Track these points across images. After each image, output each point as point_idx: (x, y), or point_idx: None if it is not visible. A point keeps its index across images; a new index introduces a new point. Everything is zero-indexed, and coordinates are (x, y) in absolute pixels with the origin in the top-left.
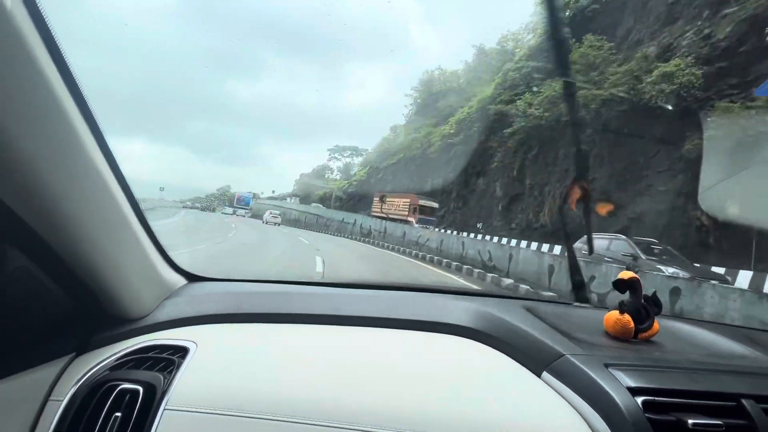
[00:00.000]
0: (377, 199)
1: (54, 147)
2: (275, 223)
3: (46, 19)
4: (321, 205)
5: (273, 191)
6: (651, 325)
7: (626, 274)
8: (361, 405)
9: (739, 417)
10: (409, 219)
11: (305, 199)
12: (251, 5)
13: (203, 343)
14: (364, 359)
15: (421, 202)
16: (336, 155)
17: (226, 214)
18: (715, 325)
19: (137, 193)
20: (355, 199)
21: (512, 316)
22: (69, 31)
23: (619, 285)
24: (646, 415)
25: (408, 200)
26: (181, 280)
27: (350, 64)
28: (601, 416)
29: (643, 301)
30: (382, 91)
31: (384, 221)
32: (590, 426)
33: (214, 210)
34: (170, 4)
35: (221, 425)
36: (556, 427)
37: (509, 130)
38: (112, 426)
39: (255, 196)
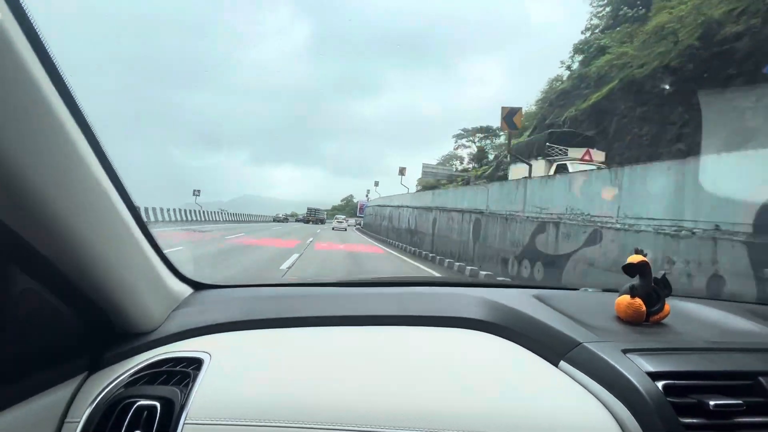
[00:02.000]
0: None
1: (52, 163)
2: (342, 228)
3: (40, 35)
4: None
5: (371, 192)
6: (662, 308)
7: (635, 258)
8: (381, 405)
9: (757, 395)
10: None
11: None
12: (366, 26)
13: (217, 353)
14: (380, 359)
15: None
16: (464, 141)
17: (309, 223)
18: (722, 302)
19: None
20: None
21: (524, 305)
22: (244, 88)
23: (629, 269)
24: (668, 399)
25: None
26: (187, 290)
27: (467, 61)
28: (622, 402)
29: (653, 284)
30: (502, 80)
31: None
32: (612, 413)
33: (323, 221)
34: (298, 44)
35: None
36: (578, 415)
37: None
38: None
39: None
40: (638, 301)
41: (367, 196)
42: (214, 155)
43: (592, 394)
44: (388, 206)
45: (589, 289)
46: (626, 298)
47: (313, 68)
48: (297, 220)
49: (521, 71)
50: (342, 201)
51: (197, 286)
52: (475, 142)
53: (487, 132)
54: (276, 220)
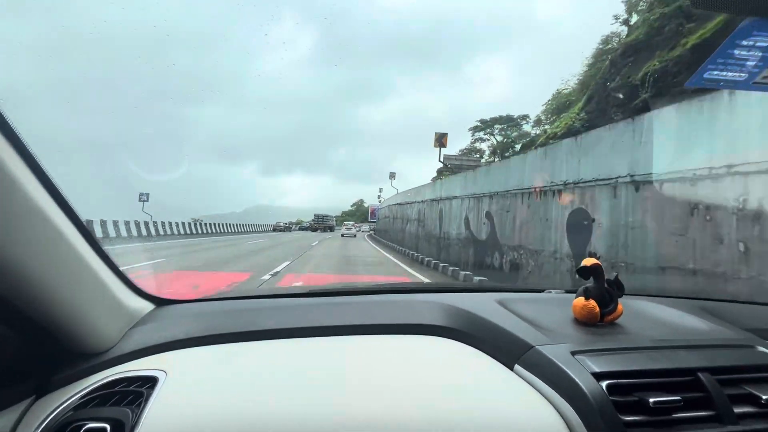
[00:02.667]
0: None
1: None
2: (351, 234)
3: None
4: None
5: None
6: (615, 308)
7: (588, 261)
8: (339, 416)
9: (696, 390)
10: None
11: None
12: (372, 32)
13: (173, 371)
14: (340, 369)
15: None
16: (482, 134)
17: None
18: (675, 300)
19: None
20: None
21: (485, 311)
22: (254, 100)
23: (583, 272)
24: (611, 398)
25: None
26: (148, 306)
27: (473, 61)
28: (569, 403)
29: (606, 285)
30: (509, 78)
31: None
32: (560, 414)
33: (331, 228)
34: (304, 53)
35: None
36: (529, 417)
37: None
38: None
39: None
40: (592, 302)
41: (379, 197)
42: (227, 168)
43: (543, 396)
44: (415, 203)
45: (553, 291)
46: (581, 299)
47: (320, 76)
48: (301, 228)
49: (528, 68)
50: (352, 206)
51: (159, 302)
52: (494, 134)
53: (509, 122)
54: (276, 229)
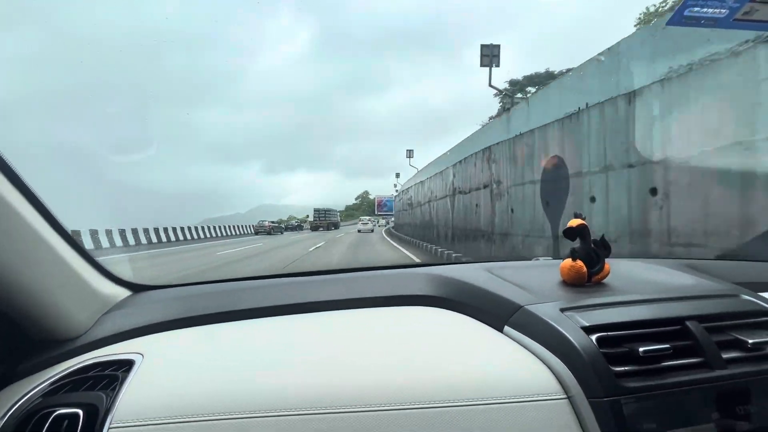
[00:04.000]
0: None
1: None
2: (369, 230)
3: None
4: None
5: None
6: (602, 268)
7: (574, 222)
8: (324, 387)
9: (685, 338)
10: None
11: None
12: (371, 22)
13: (150, 353)
14: (324, 343)
15: None
16: (516, 97)
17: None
18: (660, 260)
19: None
20: None
21: (471, 278)
22: (254, 99)
23: (569, 233)
24: (601, 350)
25: None
26: (124, 292)
27: (474, 47)
28: (560, 358)
29: (592, 245)
30: (511, 62)
31: None
32: (551, 369)
33: (336, 225)
34: (302, 48)
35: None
36: (521, 376)
37: None
38: None
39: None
40: (579, 263)
41: (395, 185)
42: (230, 169)
43: (534, 354)
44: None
45: (542, 259)
46: (568, 261)
47: (320, 71)
48: (289, 228)
49: (529, 52)
50: (356, 199)
51: (136, 288)
52: (526, 96)
53: (550, 77)
54: (259, 232)
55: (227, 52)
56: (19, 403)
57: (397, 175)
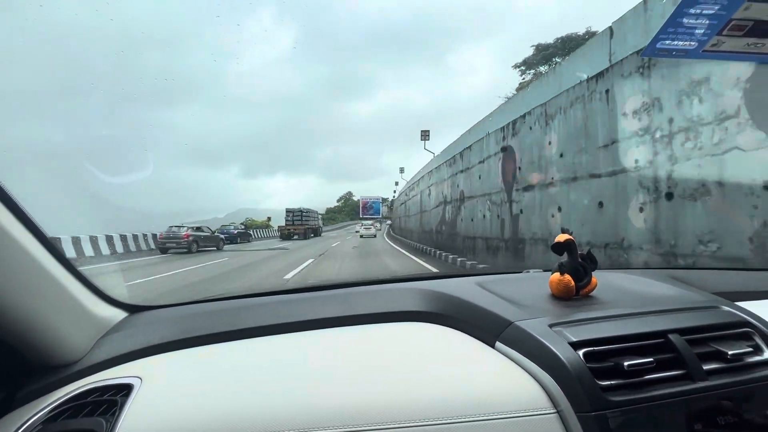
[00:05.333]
0: None
1: None
2: (371, 235)
3: None
4: None
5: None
6: (589, 281)
7: (562, 237)
8: (322, 407)
9: (667, 351)
10: None
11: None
12: (353, 24)
13: (149, 377)
14: (322, 362)
15: None
16: (540, 69)
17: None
18: (644, 271)
19: None
20: None
21: (463, 293)
22: (231, 99)
23: (557, 248)
24: (588, 365)
25: None
26: (120, 314)
27: (456, 51)
28: (549, 373)
29: (579, 259)
30: (492, 67)
31: None
32: (541, 384)
33: (316, 231)
34: (283, 49)
35: None
36: (512, 392)
37: None
38: None
39: (385, 201)
40: (567, 277)
41: (396, 183)
42: (206, 172)
43: (525, 369)
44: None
45: (532, 271)
46: (557, 275)
47: (301, 73)
48: (230, 239)
49: (510, 57)
50: (338, 201)
51: (133, 309)
52: (553, 63)
53: (575, 42)
54: (168, 248)
55: (202, 50)
56: (21, 430)
57: (402, 170)
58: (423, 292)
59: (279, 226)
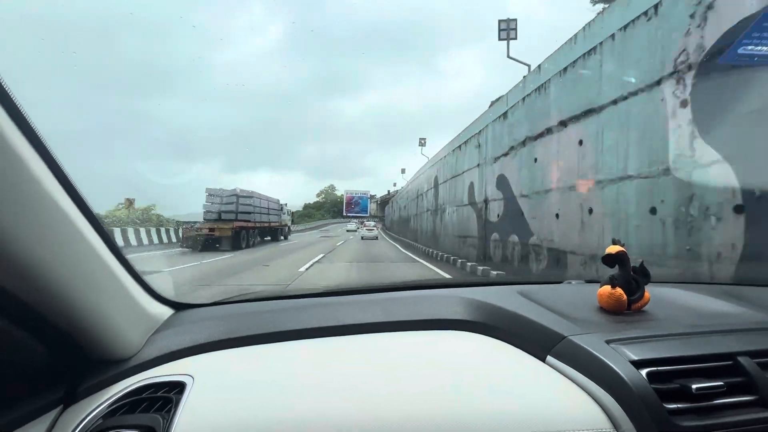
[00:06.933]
0: None
1: (9, 189)
2: (373, 236)
3: None
4: None
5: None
6: (642, 296)
7: (613, 249)
8: (372, 414)
9: (737, 375)
10: None
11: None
12: (345, 21)
13: (200, 375)
14: (368, 367)
15: None
16: None
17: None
18: (699, 286)
19: None
20: None
21: (508, 302)
22: (216, 92)
23: (608, 260)
24: (652, 385)
25: None
26: (167, 311)
27: (446, 54)
28: (609, 393)
29: (632, 272)
30: (480, 73)
31: None
32: (599, 403)
33: (288, 233)
34: (273, 43)
35: None
36: (566, 408)
37: None
38: None
39: (373, 197)
40: (619, 290)
41: (395, 184)
42: (188, 166)
43: (580, 386)
44: None
45: (573, 281)
46: (607, 288)
47: (289, 68)
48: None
49: (499, 65)
50: (319, 196)
51: (178, 307)
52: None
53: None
54: None
55: (188, 39)
56: (83, 424)
57: (403, 171)
58: (466, 300)
59: (184, 227)
